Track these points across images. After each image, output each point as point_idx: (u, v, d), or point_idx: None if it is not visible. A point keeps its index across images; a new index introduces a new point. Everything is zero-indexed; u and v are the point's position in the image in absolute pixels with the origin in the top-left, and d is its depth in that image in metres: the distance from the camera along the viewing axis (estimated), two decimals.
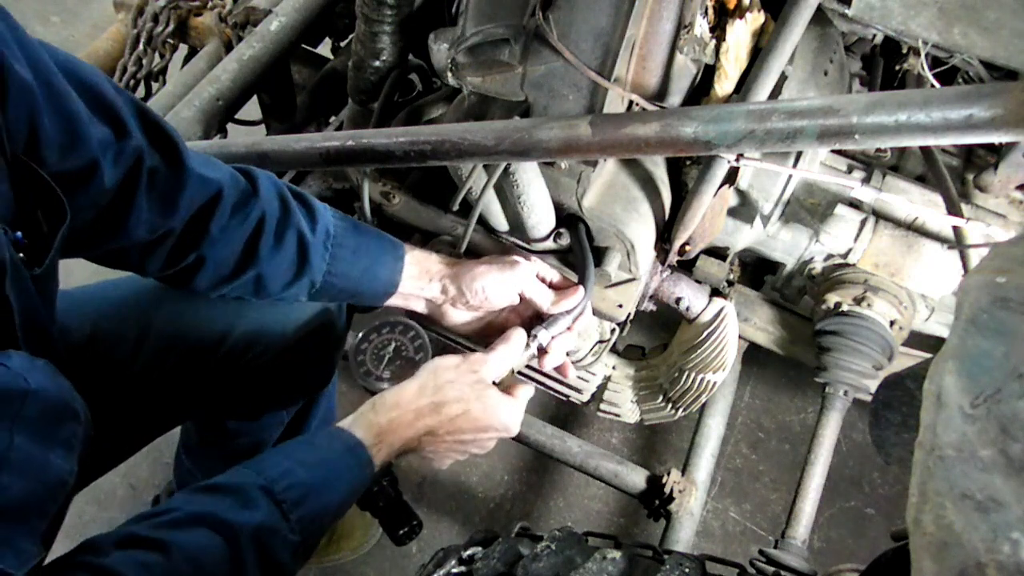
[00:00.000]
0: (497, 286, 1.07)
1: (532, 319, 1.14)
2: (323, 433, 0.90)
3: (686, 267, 1.33)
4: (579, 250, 1.14)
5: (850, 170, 1.38)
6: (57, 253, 0.77)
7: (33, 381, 0.64)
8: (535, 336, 1.07)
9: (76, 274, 0.96)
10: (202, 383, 1.10)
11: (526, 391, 1.03)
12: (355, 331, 1.52)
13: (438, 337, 1.36)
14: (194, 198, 0.91)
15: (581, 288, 1.10)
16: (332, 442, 0.88)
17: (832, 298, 1.37)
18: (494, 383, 1.00)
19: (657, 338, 1.78)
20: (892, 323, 1.35)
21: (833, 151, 1.38)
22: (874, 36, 1.40)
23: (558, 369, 1.13)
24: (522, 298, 1.10)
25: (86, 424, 0.71)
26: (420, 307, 1.12)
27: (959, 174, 1.36)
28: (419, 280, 1.08)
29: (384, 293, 1.07)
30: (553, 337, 1.08)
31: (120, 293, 1.08)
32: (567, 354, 1.14)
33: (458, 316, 1.12)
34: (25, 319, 0.73)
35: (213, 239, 0.93)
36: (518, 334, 1.04)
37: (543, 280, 1.13)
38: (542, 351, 1.08)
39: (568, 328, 1.10)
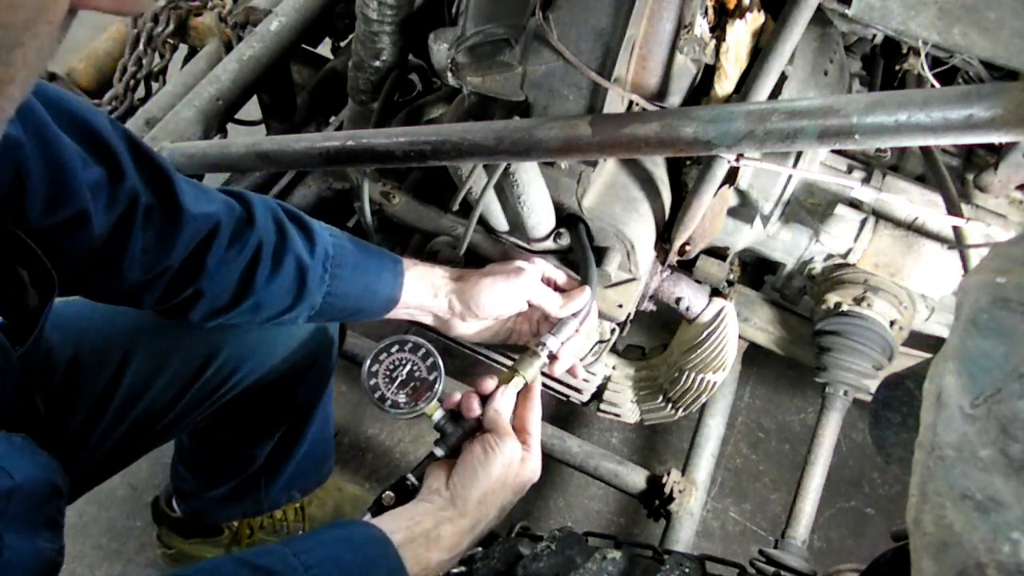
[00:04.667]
0: (503, 297, 1.06)
1: (540, 321, 1.14)
2: (373, 540, 0.85)
3: (686, 267, 1.33)
4: (580, 250, 1.14)
5: (850, 170, 1.38)
6: (42, 330, 0.76)
7: (16, 473, 0.64)
8: (544, 344, 1.06)
9: None
10: (188, 405, 1.09)
11: (536, 424, 1.01)
12: (358, 338, 1.52)
13: (444, 341, 1.35)
14: (191, 237, 0.89)
15: (587, 289, 1.10)
16: (379, 557, 0.83)
17: (832, 298, 1.37)
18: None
19: (657, 338, 1.78)
20: (892, 323, 1.35)
21: (833, 151, 1.38)
22: (874, 36, 1.40)
23: (568, 370, 1.13)
24: (530, 303, 1.09)
25: (64, 488, 0.71)
26: (427, 320, 1.11)
27: (959, 174, 1.36)
28: (424, 295, 1.07)
29: (384, 309, 1.06)
30: (563, 343, 1.08)
31: (105, 313, 1.06)
32: None
33: (466, 327, 1.11)
34: (6, 398, 0.73)
35: (210, 273, 0.91)
36: (515, 382, 1.02)
37: (549, 282, 1.12)
38: (552, 358, 1.07)
39: (576, 331, 1.10)
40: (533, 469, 0.97)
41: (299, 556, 0.78)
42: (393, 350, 1.06)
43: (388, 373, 1.05)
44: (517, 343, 1.17)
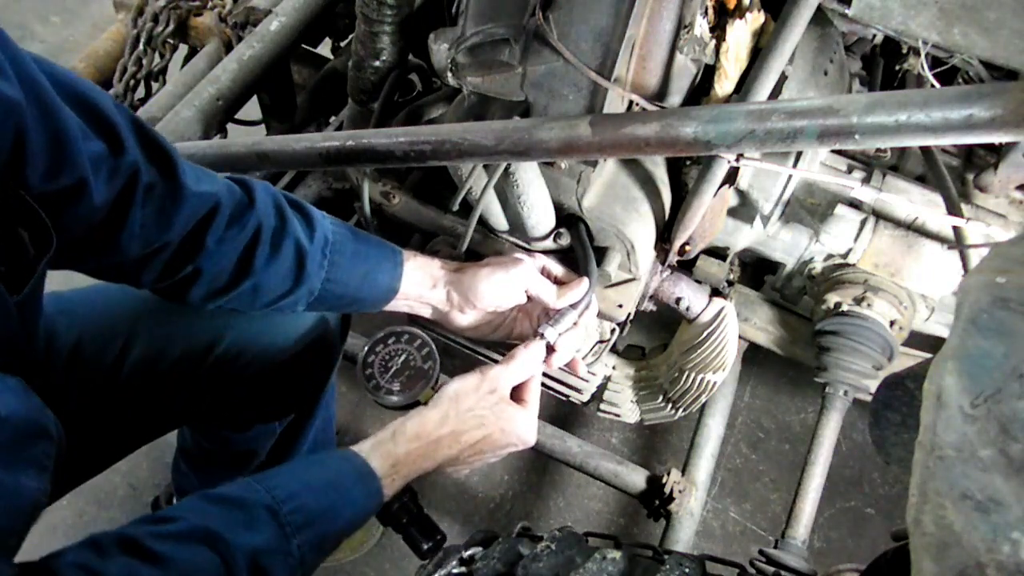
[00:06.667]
0: (501, 287, 1.07)
1: (540, 318, 1.14)
2: (338, 455, 0.89)
3: (686, 267, 1.33)
4: (580, 247, 1.14)
5: (850, 170, 1.38)
6: (40, 280, 0.76)
7: (2, 405, 0.64)
8: (541, 334, 1.06)
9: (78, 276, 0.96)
10: (190, 392, 1.10)
11: (535, 393, 1.03)
12: (358, 339, 1.52)
13: (444, 341, 1.36)
14: (191, 214, 0.90)
15: (585, 280, 1.10)
16: (344, 467, 0.88)
17: (832, 298, 1.37)
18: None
19: (657, 338, 1.78)
20: (892, 323, 1.35)
21: (833, 151, 1.38)
22: (874, 36, 1.40)
23: (568, 365, 1.13)
24: (529, 296, 1.10)
25: (59, 439, 0.72)
26: (426, 313, 1.12)
27: (959, 174, 1.36)
28: (423, 286, 1.07)
29: (384, 299, 1.07)
30: (560, 334, 1.08)
31: (109, 299, 1.07)
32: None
33: (465, 319, 1.11)
34: (2, 343, 0.73)
35: (209, 251, 0.92)
36: (538, 344, 1.04)
37: (548, 275, 1.13)
38: (550, 349, 1.07)
39: (574, 324, 1.10)
40: (527, 427, 1.00)
41: (261, 482, 0.81)
42: (389, 341, 1.07)
43: (383, 363, 1.06)
44: (517, 341, 1.17)
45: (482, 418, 0.95)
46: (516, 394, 1.02)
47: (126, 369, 1.05)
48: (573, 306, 1.10)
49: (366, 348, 1.07)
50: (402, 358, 1.06)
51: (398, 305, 1.08)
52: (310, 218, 1.00)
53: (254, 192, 0.96)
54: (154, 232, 0.88)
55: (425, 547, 0.96)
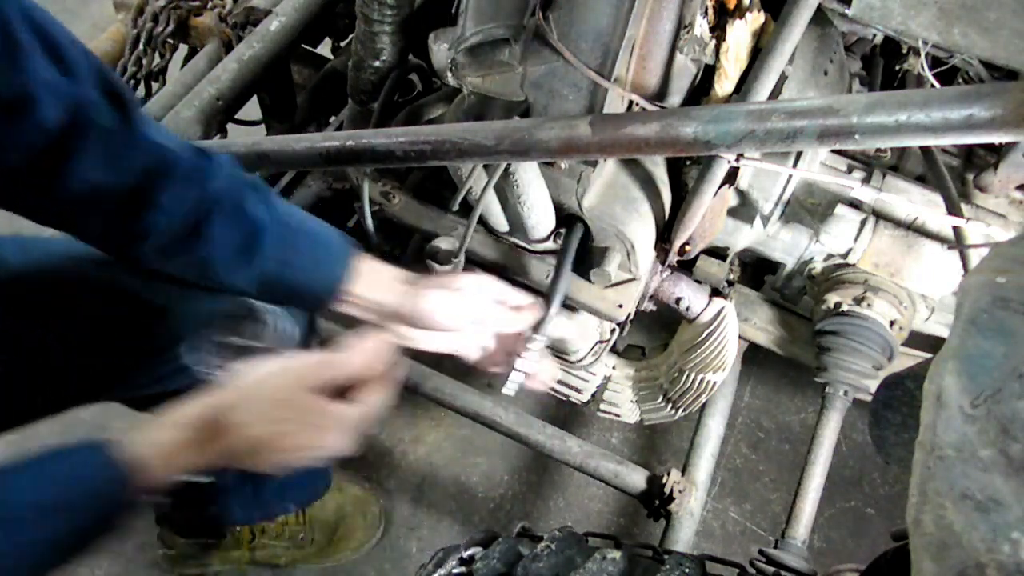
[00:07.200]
0: (444, 309, 1.00)
1: (514, 340, 1.08)
2: (88, 444, 0.79)
3: (686, 267, 1.33)
4: (561, 253, 1.12)
5: (850, 170, 1.38)
6: None
7: None
8: (517, 369, 1.04)
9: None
10: (135, 359, 1.07)
11: (375, 400, 0.89)
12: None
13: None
14: (142, 164, 0.86)
15: (539, 306, 1.06)
16: (90, 458, 0.78)
17: (832, 298, 1.37)
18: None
19: (657, 338, 1.78)
20: (892, 323, 1.35)
21: (833, 151, 1.38)
22: (874, 36, 1.40)
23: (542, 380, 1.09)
24: (488, 325, 1.04)
25: None
26: (377, 320, 1.04)
27: (959, 174, 1.36)
28: (375, 290, 1.00)
29: (331, 289, 0.99)
30: (533, 360, 1.04)
31: (66, 249, 1.04)
32: (563, 356, 1.12)
33: (420, 337, 1.03)
34: None
35: (159, 206, 0.88)
36: (378, 342, 0.91)
37: (504, 303, 1.05)
38: (529, 375, 1.04)
39: (542, 349, 1.05)
40: (342, 430, 0.85)
41: (6, 470, 0.74)
42: (230, 318, 0.99)
43: (217, 339, 0.98)
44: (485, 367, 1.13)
45: (285, 410, 0.83)
46: (350, 392, 0.88)
47: (78, 316, 1.02)
48: (535, 330, 1.06)
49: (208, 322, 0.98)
50: (236, 336, 0.97)
51: (348, 310, 1.01)
52: (267, 197, 0.96)
53: (214, 159, 0.93)
54: (101, 172, 0.84)
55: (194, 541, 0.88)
